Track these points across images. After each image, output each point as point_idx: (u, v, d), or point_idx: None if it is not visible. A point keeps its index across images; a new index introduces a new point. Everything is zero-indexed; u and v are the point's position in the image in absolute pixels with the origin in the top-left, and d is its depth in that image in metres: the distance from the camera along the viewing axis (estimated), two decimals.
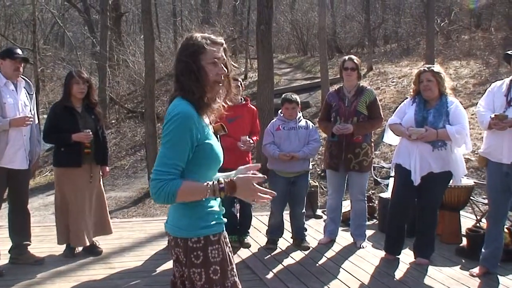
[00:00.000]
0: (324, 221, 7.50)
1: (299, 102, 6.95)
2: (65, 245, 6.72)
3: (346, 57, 6.97)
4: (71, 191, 6.54)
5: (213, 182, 2.90)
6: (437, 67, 6.25)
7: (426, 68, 6.21)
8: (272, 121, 7.09)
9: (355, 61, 6.82)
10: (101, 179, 6.94)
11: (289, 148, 6.70)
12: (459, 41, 22.06)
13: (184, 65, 3.01)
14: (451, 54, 20.27)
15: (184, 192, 2.87)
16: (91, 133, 6.48)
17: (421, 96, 6.15)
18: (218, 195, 2.92)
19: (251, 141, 6.69)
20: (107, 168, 7.05)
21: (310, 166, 7.09)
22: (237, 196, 2.98)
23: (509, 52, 5.71)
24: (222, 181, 2.89)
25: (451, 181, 6.22)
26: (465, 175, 6.83)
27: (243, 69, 23.28)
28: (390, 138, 6.57)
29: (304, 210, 7.10)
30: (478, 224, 7.06)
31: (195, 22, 29.34)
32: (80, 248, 6.80)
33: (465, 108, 6.40)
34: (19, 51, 6.42)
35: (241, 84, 7.00)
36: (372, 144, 6.95)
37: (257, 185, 2.93)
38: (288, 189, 6.89)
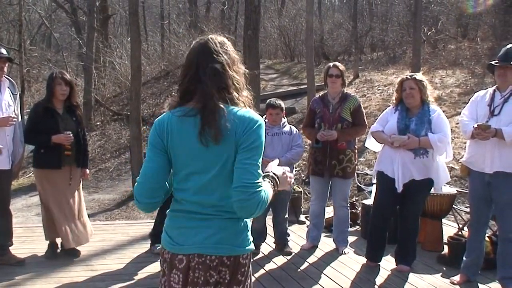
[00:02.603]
0: (307, 226, 7.50)
1: (284, 108, 6.96)
2: (47, 246, 6.69)
3: (331, 64, 7.00)
4: (51, 192, 6.51)
5: (274, 184, 2.89)
6: (419, 75, 6.30)
7: (408, 76, 6.25)
8: None
9: (340, 68, 6.84)
10: (81, 182, 6.90)
11: (271, 154, 6.69)
12: (445, 51, 22.17)
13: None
14: (437, 63, 20.35)
15: (270, 198, 2.82)
16: (71, 135, 6.45)
17: (404, 104, 6.19)
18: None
19: None
20: (88, 171, 7.01)
21: (294, 172, 7.10)
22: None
23: (492, 62, 5.75)
24: (275, 182, 2.91)
25: (432, 189, 6.26)
26: (448, 184, 6.89)
27: None
28: (372, 144, 6.59)
29: (287, 216, 7.11)
30: (460, 232, 7.09)
31: (183, 26, 29.32)
32: (59, 250, 6.77)
33: (449, 117, 6.45)
34: (3, 50, 6.38)
35: None
36: (356, 151, 6.97)
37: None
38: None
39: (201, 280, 2.82)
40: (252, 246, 2.96)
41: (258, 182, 2.72)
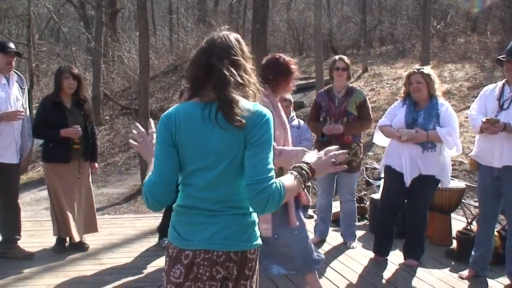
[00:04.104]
0: (315, 221, 7.50)
1: (292, 101, 6.94)
2: (55, 240, 6.71)
3: (337, 57, 6.97)
4: (60, 186, 6.52)
5: (300, 173, 2.80)
6: (427, 69, 6.25)
7: (416, 70, 6.21)
8: None
9: (346, 61, 6.81)
10: (90, 176, 6.92)
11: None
12: (454, 44, 22.11)
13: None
14: (446, 57, 20.29)
15: (289, 191, 2.74)
16: (80, 128, 6.46)
17: (411, 98, 6.16)
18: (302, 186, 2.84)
19: None
20: (97, 165, 7.02)
21: None
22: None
23: (500, 57, 5.71)
24: (305, 171, 2.82)
25: (440, 183, 6.23)
26: (457, 178, 6.86)
27: None
28: (380, 139, 6.57)
29: None
30: (468, 227, 7.06)
31: (191, 20, 29.33)
32: (67, 244, 6.79)
33: (458, 111, 6.42)
34: (11, 45, 6.40)
35: None
36: (362, 145, 6.95)
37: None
38: None
39: (206, 276, 2.80)
40: (259, 241, 2.92)
41: (267, 178, 2.68)
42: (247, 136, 2.71)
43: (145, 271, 6.14)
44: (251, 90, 2.85)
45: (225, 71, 2.77)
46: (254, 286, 2.98)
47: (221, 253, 2.80)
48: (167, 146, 2.82)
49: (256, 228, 2.92)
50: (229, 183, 2.79)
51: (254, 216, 2.92)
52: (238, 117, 2.67)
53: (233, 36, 2.91)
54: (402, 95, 6.34)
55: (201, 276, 2.80)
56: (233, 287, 2.87)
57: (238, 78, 2.80)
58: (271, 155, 2.74)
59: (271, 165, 2.72)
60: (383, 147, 6.97)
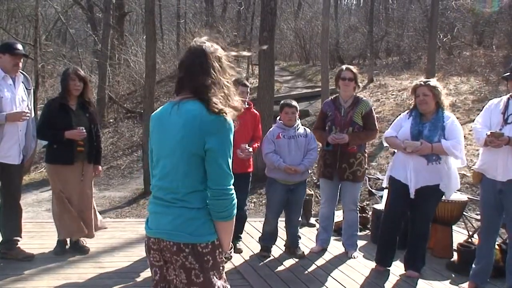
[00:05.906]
0: (317, 229, 7.48)
1: (298, 108, 6.92)
2: (56, 242, 6.71)
3: (344, 67, 6.95)
4: (62, 188, 6.52)
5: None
6: (433, 81, 6.25)
7: (422, 82, 6.21)
8: (271, 129, 6.96)
9: (353, 71, 6.79)
10: (93, 179, 6.91)
11: (288, 158, 6.65)
12: (460, 57, 22.10)
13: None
14: (452, 69, 20.29)
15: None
16: (84, 130, 6.46)
17: (418, 110, 6.17)
18: None
19: (250, 149, 6.64)
20: (100, 168, 7.01)
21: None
22: None
23: (505, 76, 5.73)
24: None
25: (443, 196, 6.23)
26: (459, 191, 6.84)
27: (244, 75, 23.26)
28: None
29: (300, 219, 7.08)
30: (469, 240, 7.06)
31: (199, 26, 29.35)
32: (68, 246, 6.79)
33: (463, 124, 6.42)
34: (19, 46, 6.40)
35: (248, 89, 7.02)
36: (366, 155, 6.93)
37: None
38: (286, 197, 6.86)
39: (173, 262, 3.06)
40: (212, 238, 3.05)
41: (229, 188, 3.01)
42: (206, 141, 2.95)
43: (145, 276, 6.14)
44: (223, 98, 3.06)
45: (201, 80, 3.03)
46: (216, 277, 3.09)
47: (173, 243, 3.03)
48: (150, 146, 3.24)
49: (208, 223, 3.04)
50: (181, 177, 3.01)
51: (204, 213, 3.05)
52: (215, 106, 2.96)
53: (213, 49, 3.15)
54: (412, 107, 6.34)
55: (170, 259, 3.07)
56: (203, 278, 3.02)
57: (211, 86, 3.04)
58: (229, 161, 3.02)
59: (230, 173, 3.01)
60: (387, 157, 6.96)
